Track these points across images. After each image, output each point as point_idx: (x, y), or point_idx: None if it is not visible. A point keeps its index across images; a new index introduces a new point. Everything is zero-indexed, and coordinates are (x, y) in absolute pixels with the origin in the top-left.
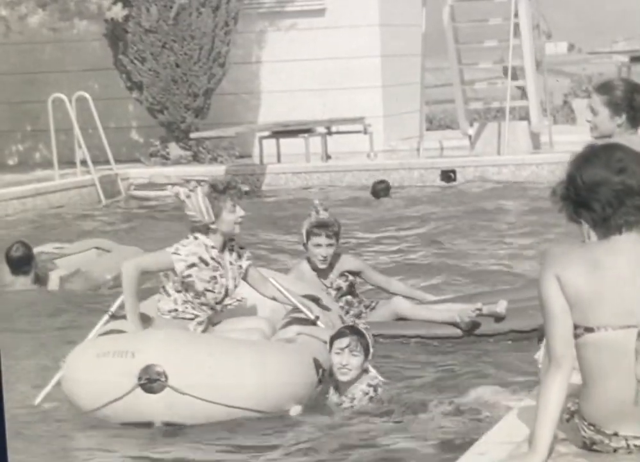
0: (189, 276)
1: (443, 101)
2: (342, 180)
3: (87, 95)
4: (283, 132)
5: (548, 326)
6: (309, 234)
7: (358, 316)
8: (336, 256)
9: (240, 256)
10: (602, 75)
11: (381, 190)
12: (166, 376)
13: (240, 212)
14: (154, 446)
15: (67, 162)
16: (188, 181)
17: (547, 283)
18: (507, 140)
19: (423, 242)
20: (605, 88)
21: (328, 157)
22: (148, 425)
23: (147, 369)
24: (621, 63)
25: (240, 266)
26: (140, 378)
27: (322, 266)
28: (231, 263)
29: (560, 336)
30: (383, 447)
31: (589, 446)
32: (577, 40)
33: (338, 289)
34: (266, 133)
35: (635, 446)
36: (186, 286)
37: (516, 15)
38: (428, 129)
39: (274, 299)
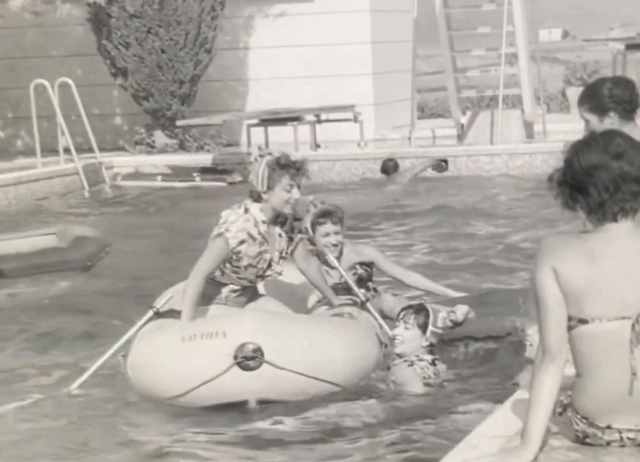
0: (239, 252)
1: (435, 88)
2: (332, 169)
3: (70, 82)
4: (271, 120)
5: (543, 318)
6: (314, 226)
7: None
8: (346, 248)
9: (293, 229)
10: (597, 63)
11: (390, 167)
12: (262, 353)
13: (295, 194)
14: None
15: (50, 149)
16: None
17: (542, 275)
18: (500, 129)
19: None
20: (583, 97)
21: (317, 146)
22: (237, 406)
23: (242, 347)
24: (617, 50)
25: (292, 238)
26: (236, 357)
27: (334, 255)
28: (280, 235)
29: (555, 329)
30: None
31: (581, 440)
32: (572, 27)
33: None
34: (254, 121)
35: (629, 439)
36: (232, 261)
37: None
38: (419, 118)
39: (312, 282)
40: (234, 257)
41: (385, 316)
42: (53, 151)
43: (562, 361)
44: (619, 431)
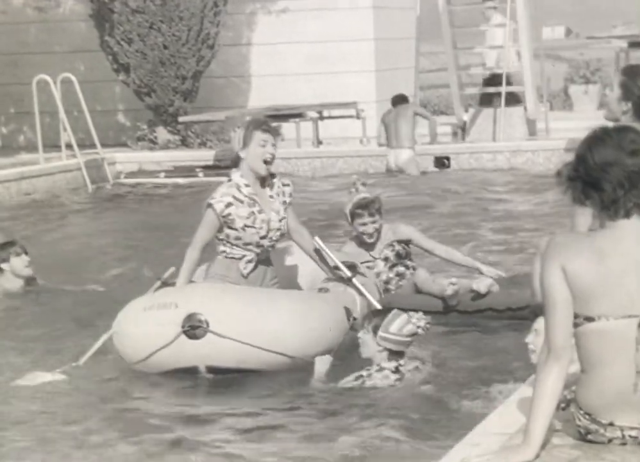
0: (229, 214)
1: (438, 86)
2: (334, 166)
3: (72, 77)
4: (273, 116)
5: (550, 316)
6: (353, 215)
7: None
8: (385, 226)
9: (283, 192)
10: (600, 61)
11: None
12: (207, 323)
13: (270, 149)
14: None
15: (52, 145)
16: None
17: (551, 274)
18: (502, 126)
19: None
20: (628, 70)
21: (320, 142)
22: (193, 372)
23: (189, 317)
24: (620, 48)
25: (285, 201)
26: (183, 326)
27: (370, 240)
28: (271, 197)
29: (562, 327)
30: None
31: (583, 436)
32: (575, 25)
33: (386, 259)
34: None
35: (630, 436)
36: (228, 225)
37: None
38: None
39: (306, 252)
40: (227, 220)
41: (418, 291)
42: (55, 147)
43: (567, 360)
44: (621, 429)
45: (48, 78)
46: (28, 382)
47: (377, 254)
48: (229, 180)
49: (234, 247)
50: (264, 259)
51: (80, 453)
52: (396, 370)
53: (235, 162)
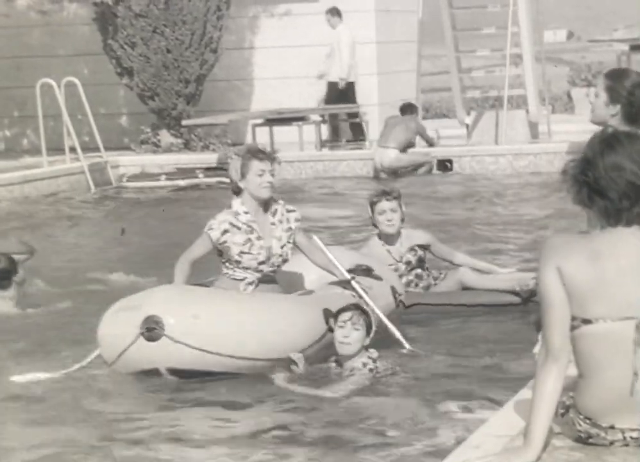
0: (224, 242)
1: (440, 89)
2: (336, 169)
3: (76, 81)
4: (276, 120)
5: (547, 318)
6: (372, 205)
7: (427, 288)
8: (405, 231)
9: (288, 219)
10: (602, 64)
11: (407, 106)
12: (162, 326)
13: (267, 178)
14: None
15: (56, 148)
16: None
17: (547, 275)
18: (505, 129)
19: None
20: (611, 73)
21: (322, 146)
22: (157, 374)
23: (147, 320)
24: (621, 51)
25: (290, 228)
26: (141, 329)
27: (390, 230)
28: (273, 224)
29: (558, 328)
30: (372, 425)
31: (584, 440)
32: (576, 28)
33: (408, 262)
34: (259, 121)
35: (632, 438)
36: (222, 252)
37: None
38: (424, 118)
39: (321, 266)
40: (224, 248)
41: (465, 288)
42: (59, 150)
43: (565, 361)
44: (622, 431)
45: (52, 82)
46: (23, 385)
47: (398, 257)
48: (229, 207)
49: (235, 270)
50: (268, 279)
51: None
52: (378, 356)
53: (236, 192)
